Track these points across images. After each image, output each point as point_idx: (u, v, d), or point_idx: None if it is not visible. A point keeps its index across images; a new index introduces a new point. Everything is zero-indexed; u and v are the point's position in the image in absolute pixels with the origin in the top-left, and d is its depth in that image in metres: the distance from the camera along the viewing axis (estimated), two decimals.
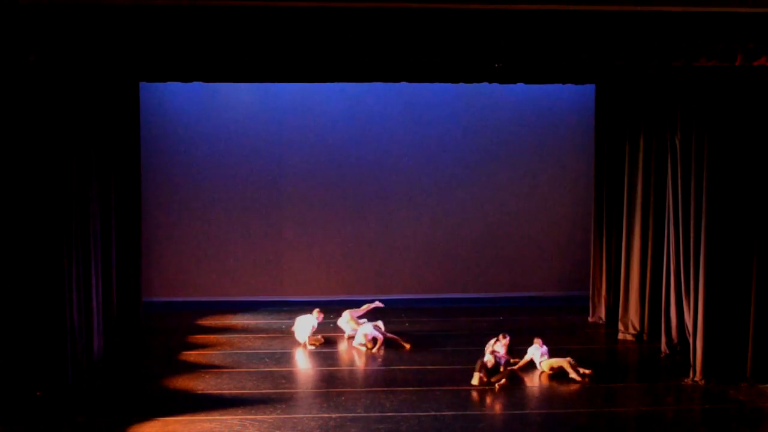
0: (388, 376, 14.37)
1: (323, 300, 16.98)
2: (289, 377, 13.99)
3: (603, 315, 17.90)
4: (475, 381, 13.49)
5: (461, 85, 17.05)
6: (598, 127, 17.99)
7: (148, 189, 18.56)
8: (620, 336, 16.61)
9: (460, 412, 12.26)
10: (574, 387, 13.58)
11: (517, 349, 14.43)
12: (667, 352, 15.25)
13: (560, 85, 17.27)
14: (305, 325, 15.96)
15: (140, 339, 16.63)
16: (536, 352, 14.45)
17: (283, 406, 12.53)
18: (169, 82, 17.26)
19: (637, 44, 11.58)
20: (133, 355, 15.59)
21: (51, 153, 13.10)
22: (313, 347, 15.73)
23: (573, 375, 13.83)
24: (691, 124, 13.88)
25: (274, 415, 12.11)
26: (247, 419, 11.92)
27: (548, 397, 13.11)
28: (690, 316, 14.02)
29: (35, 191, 12.97)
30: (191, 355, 15.30)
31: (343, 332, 16.49)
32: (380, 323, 16.21)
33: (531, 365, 14.36)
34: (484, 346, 14.50)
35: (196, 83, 16.66)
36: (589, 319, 18.24)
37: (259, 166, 19.81)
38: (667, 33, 11.41)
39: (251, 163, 19.76)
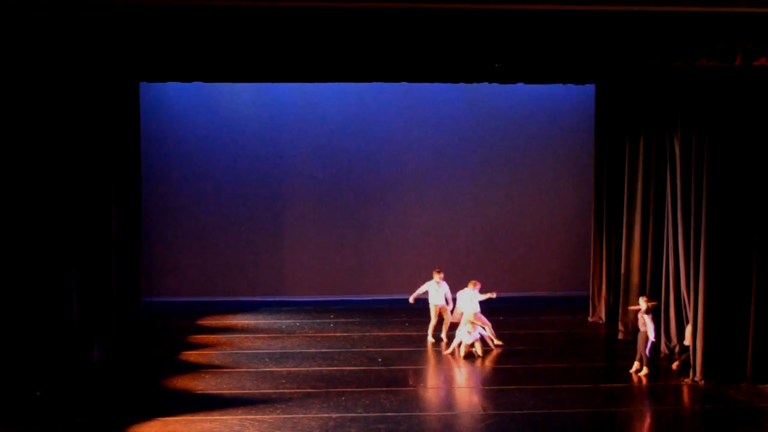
0: (388, 376, 14.35)
1: (323, 300, 16.93)
2: (289, 377, 13.98)
3: (603, 315, 17.90)
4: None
5: (461, 85, 17.05)
6: (598, 127, 17.99)
7: (148, 189, 18.53)
8: (620, 336, 16.57)
9: (460, 412, 12.25)
10: (573, 386, 13.58)
11: (517, 350, 14.37)
12: (667, 352, 15.25)
13: (560, 85, 17.27)
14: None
15: (140, 339, 16.62)
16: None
17: (283, 406, 12.52)
18: (169, 82, 17.25)
19: (637, 44, 11.58)
20: (133, 355, 15.59)
21: (51, 153, 13.11)
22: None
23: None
24: (691, 124, 13.88)
25: (274, 415, 12.10)
26: (247, 419, 11.92)
27: (548, 397, 13.09)
28: (690, 317, 14.01)
29: (35, 191, 12.98)
30: (191, 355, 15.30)
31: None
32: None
33: None
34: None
35: (196, 83, 16.65)
36: (589, 319, 18.24)
37: (259, 166, 19.81)
38: (667, 33, 11.41)
39: (251, 163, 19.77)
